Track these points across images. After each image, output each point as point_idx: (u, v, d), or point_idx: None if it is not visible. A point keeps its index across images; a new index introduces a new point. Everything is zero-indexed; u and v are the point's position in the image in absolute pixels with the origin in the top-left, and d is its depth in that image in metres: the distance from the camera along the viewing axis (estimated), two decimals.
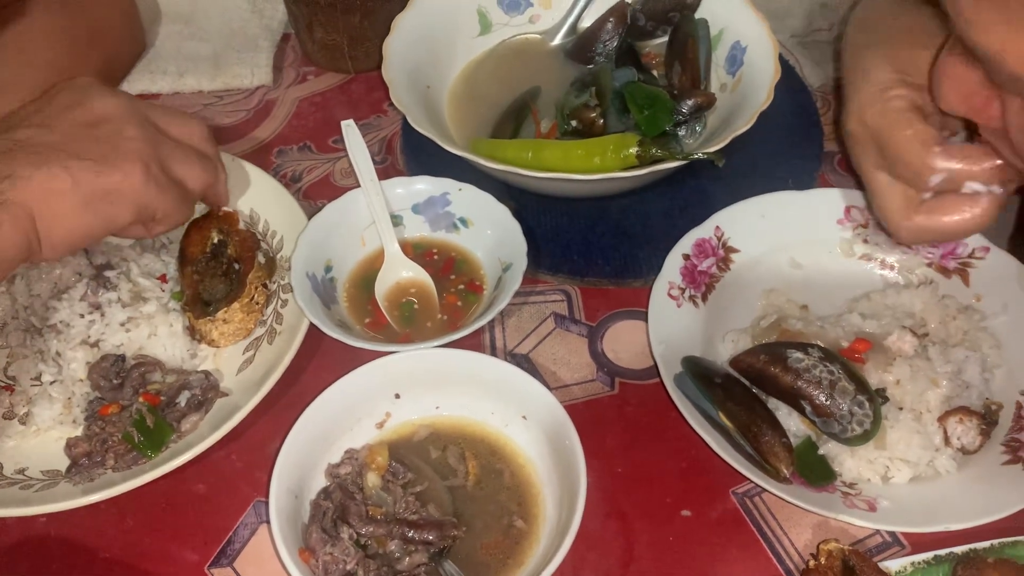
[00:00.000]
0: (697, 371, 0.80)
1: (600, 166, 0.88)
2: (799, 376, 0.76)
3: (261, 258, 0.91)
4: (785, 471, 0.73)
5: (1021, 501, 0.72)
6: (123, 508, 0.80)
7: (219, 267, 0.91)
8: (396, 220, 0.94)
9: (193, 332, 0.88)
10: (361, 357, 0.81)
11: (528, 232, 0.89)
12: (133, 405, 0.81)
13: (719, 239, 0.91)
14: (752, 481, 0.75)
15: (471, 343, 0.88)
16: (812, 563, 0.71)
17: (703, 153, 0.87)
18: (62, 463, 0.81)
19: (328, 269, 0.91)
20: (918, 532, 0.74)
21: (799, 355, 0.76)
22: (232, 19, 1.20)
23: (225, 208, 0.95)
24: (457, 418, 0.82)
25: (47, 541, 0.79)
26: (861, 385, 0.75)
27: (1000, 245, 0.89)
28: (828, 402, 0.74)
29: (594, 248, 0.96)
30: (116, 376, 0.84)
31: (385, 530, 0.73)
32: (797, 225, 0.92)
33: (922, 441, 0.76)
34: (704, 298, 0.89)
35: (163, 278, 0.91)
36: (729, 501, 0.79)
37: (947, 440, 0.77)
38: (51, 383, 0.84)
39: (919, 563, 0.72)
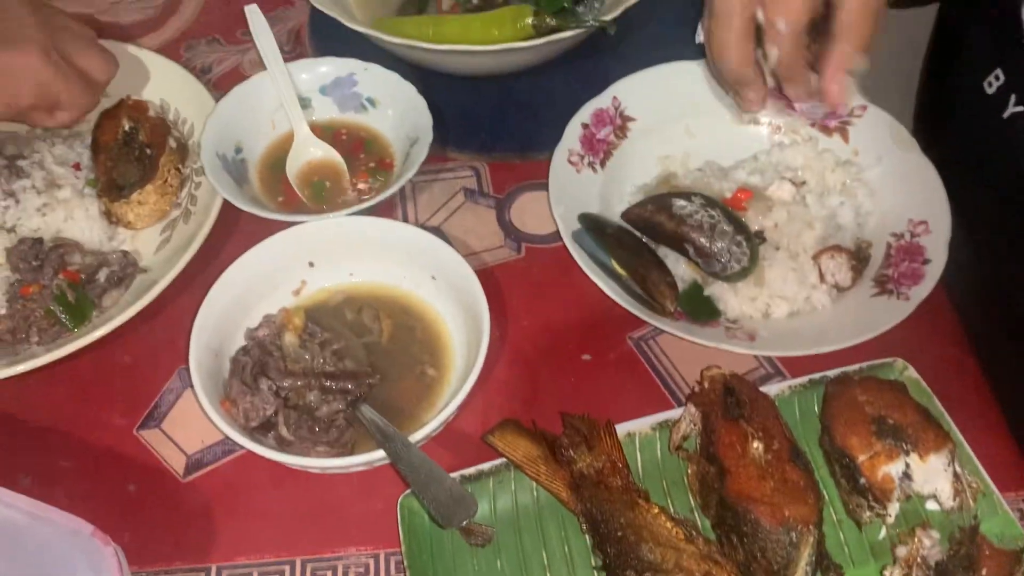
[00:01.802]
0: (592, 225, 0.85)
1: (498, 38, 0.92)
2: (682, 222, 0.81)
3: (172, 143, 0.93)
4: (670, 306, 0.79)
5: (886, 324, 0.79)
6: (51, 381, 0.83)
7: (131, 153, 0.92)
8: (304, 103, 0.96)
9: (110, 216, 0.90)
10: (275, 233, 0.84)
11: (436, 111, 0.92)
12: (54, 283, 0.83)
13: (616, 108, 0.95)
14: (645, 324, 0.81)
15: (384, 217, 0.92)
16: (697, 387, 0.78)
17: (596, 21, 0.91)
18: None
19: (238, 150, 0.93)
20: (792, 356, 0.80)
21: (682, 202, 0.82)
22: None
23: (135, 97, 0.96)
24: (370, 283, 0.87)
25: None
26: (740, 227, 0.81)
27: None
28: (708, 243, 0.80)
29: (500, 124, 1.00)
30: (35, 258, 0.86)
31: (304, 382, 0.77)
32: (691, 94, 0.96)
33: (798, 278, 0.83)
34: (603, 164, 0.93)
35: (77, 166, 0.93)
36: (625, 345, 0.85)
37: (822, 277, 0.84)
38: None
39: (796, 387, 0.79)
